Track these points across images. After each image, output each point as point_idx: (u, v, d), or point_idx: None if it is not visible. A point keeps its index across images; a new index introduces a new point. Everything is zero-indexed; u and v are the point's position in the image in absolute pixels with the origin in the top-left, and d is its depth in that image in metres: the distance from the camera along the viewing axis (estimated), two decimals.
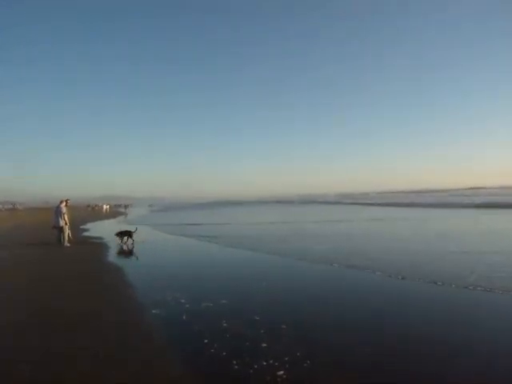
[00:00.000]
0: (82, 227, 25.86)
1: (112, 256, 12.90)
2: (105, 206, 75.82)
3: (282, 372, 3.99)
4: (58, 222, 15.58)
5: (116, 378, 3.97)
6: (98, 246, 15.57)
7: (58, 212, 15.74)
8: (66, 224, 15.71)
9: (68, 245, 15.41)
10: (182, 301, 6.81)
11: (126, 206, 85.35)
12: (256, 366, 4.14)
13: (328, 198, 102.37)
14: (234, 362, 4.24)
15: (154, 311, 6.28)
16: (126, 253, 13.71)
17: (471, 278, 7.96)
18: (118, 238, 15.84)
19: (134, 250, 14.19)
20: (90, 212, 61.36)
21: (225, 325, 5.50)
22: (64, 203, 16.25)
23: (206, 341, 4.90)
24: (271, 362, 4.24)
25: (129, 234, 15.90)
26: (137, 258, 12.67)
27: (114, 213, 60.63)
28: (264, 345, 4.73)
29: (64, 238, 15.53)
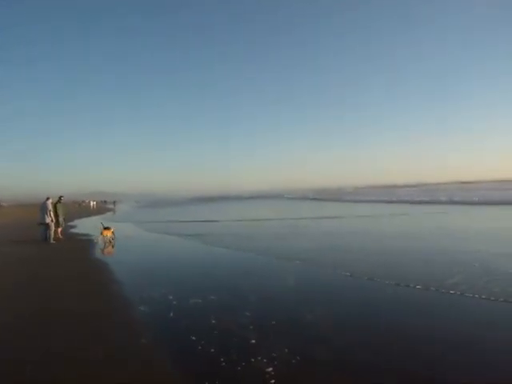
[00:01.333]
0: (69, 224, 25.53)
1: (98, 253, 12.75)
2: (92, 203, 75.13)
3: (270, 369, 3.98)
4: (44, 218, 15.36)
5: (107, 378, 3.93)
6: (84, 243, 15.37)
7: (43, 208, 15.52)
8: (52, 221, 15.51)
9: (54, 242, 15.20)
10: (170, 297, 6.75)
11: (114, 203, 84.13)
12: (244, 363, 4.12)
13: (307, 194, 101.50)
14: (222, 359, 4.22)
15: (141, 308, 6.21)
16: (109, 250, 13.60)
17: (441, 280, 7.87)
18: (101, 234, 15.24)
19: (100, 245, 14.27)
20: (77, 208, 60.61)
21: (213, 321, 5.48)
22: (50, 200, 16.04)
23: (193, 338, 4.87)
24: (259, 358, 4.24)
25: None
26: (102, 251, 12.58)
27: (101, 209, 60.08)
28: (253, 341, 4.72)
29: (50, 235, 15.32)
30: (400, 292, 6.91)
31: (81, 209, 60.24)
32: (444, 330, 5.07)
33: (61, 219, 16.62)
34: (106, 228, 15.19)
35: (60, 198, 17.19)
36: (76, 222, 28.35)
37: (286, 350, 4.41)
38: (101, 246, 14.26)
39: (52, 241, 15.23)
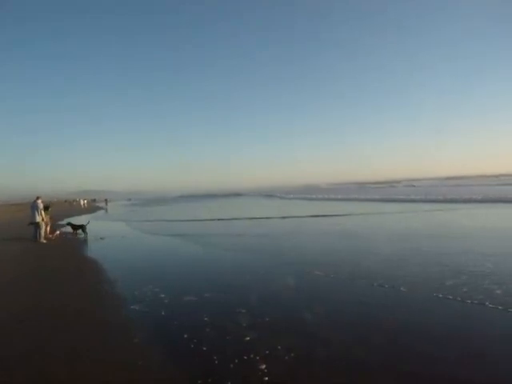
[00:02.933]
0: (59, 223, 25.26)
1: (88, 251, 12.67)
2: (82, 201, 74.28)
3: (263, 366, 3.99)
4: (35, 217, 15.20)
5: (98, 378, 3.90)
6: (75, 242, 15.26)
7: (34, 208, 15.35)
8: (42, 220, 15.36)
9: (44, 241, 15.05)
10: (161, 296, 6.73)
11: (106, 201, 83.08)
12: (237, 361, 4.12)
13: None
14: (215, 358, 4.21)
15: (133, 307, 6.18)
16: (92, 246, 13.52)
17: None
18: (71, 229, 17.36)
19: (89, 243, 14.77)
20: (67, 207, 60.08)
21: (205, 319, 5.47)
22: (40, 199, 15.88)
23: (186, 335, 4.86)
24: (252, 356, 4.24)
25: (82, 227, 17.08)
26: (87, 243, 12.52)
27: (92, 208, 59.58)
28: (247, 338, 4.72)
29: (40, 234, 15.16)
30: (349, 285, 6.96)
31: (72, 207, 59.69)
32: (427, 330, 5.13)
33: (47, 218, 16.47)
34: (78, 225, 17.38)
35: (49, 207, 17.11)
36: (66, 221, 28.01)
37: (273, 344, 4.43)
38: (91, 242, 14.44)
39: (43, 240, 15.09)
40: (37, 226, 15.23)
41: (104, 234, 17.23)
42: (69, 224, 17.91)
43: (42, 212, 15.41)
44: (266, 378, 3.75)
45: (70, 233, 17.48)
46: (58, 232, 17.05)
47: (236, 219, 24.91)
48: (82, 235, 16.62)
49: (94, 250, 13.18)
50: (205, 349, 4.46)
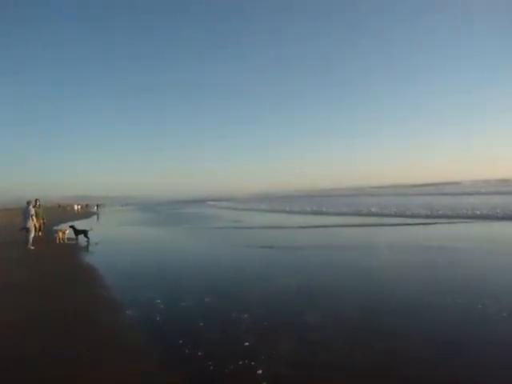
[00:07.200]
0: (54, 228, 25.09)
1: (83, 256, 12.60)
2: (76, 207, 73.82)
3: (260, 371, 3.92)
4: (27, 223, 14.97)
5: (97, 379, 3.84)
6: (70, 247, 15.15)
7: (26, 213, 15.12)
8: (34, 225, 15.15)
9: (32, 247, 14.64)
10: (158, 301, 6.68)
11: (97, 206, 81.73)
12: (232, 367, 4.06)
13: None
14: (210, 363, 4.14)
15: (127, 312, 6.14)
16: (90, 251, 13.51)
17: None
18: (73, 233, 16.85)
19: (90, 248, 14.79)
20: (60, 212, 59.60)
21: (201, 324, 5.41)
22: (32, 204, 15.67)
23: (181, 341, 4.79)
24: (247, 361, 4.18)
25: (84, 232, 16.59)
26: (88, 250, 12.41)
27: (86, 213, 59.26)
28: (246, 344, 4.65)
29: (28, 241, 14.82)
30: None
31: (65, 213, 59.23)
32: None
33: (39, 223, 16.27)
34: (81, 230, 16.84)
35: (36, 200, 16.51)
36: (60, 227, 27.83)
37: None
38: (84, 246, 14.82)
39: (30, 246, 14.69)
40: (27, 231, 14.98)
41: (97, 239, 17.09)
42: (71, 227, 17.33)
43: (34, 217, 15.20)
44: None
45: (69, 238, 16.99)
46: (60, 234, 16.71)
47: None
48: (85, 240, 16.22)
49: (89, 255, 13.14)
50: (200, 354, 4.39)
